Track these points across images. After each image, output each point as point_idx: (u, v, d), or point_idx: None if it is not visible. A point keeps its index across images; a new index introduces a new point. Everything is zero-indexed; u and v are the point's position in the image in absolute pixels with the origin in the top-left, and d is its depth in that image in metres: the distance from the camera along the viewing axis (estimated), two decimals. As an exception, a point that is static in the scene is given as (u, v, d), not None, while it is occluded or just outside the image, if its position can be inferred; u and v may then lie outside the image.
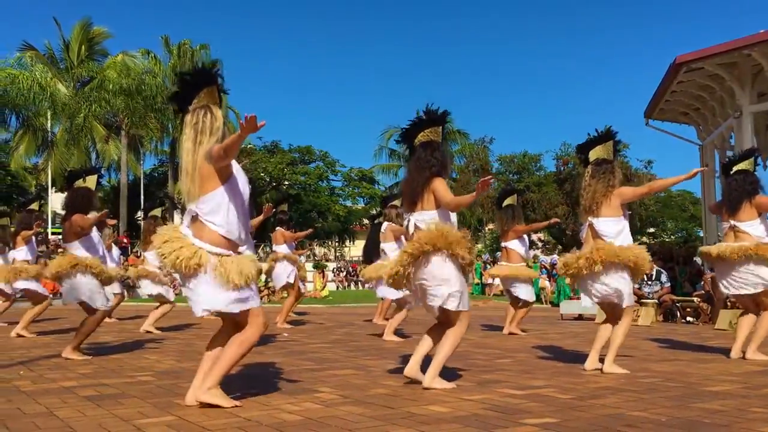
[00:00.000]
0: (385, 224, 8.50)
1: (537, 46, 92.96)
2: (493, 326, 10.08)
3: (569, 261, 5.38)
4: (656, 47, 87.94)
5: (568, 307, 13.49)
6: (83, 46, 33.31)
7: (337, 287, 32.25)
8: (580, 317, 12.91)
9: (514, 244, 9.01)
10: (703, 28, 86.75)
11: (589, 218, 5.37)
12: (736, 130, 15.49)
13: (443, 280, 4.43)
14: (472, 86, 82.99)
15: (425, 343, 4.69)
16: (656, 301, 11.81)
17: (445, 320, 4.62)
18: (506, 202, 9.22)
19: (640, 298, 12.33)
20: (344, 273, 35.32)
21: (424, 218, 4.55)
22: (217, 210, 3.74)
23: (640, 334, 9.04)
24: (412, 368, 4.63)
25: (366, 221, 48.59)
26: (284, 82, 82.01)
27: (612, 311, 5.43)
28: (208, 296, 3.72)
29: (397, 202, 8.51)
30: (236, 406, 3.76)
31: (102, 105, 30.42)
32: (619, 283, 5.22)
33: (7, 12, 66.15)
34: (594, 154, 5.55)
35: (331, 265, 35.85)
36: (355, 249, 47.12)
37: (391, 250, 8.20)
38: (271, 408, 3.79)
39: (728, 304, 10.79)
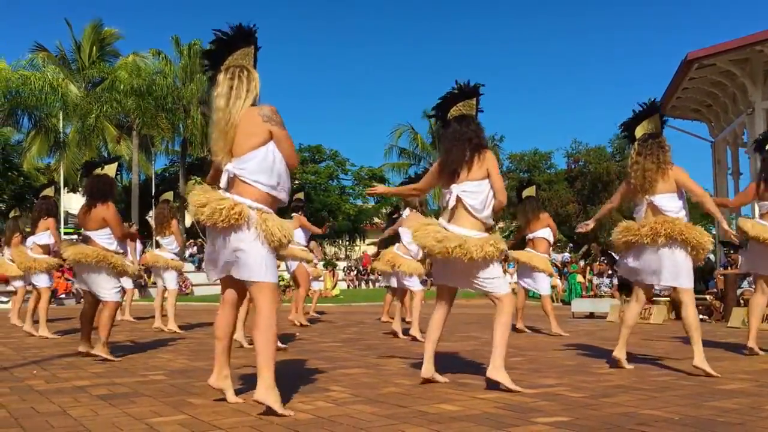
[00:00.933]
0: (407, 210, 8.35)
1: (546, 43, 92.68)
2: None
3: (631, 226, 5.17)
4: (667, 44, 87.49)
5: (579, 305, 13.46)
6: (94, 47, 33.52)
7: (348, 286, 32.30)
8: (591, 315, 12.87)
9: (543, 233, 8.78)
10: (714, 24, 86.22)
11: (647, 197, 5.19)
12: (749, 127, 15.41)
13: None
14: (482, 84, 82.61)
15: (431, 339, 4.67)
16: (668, 298, 11.73)
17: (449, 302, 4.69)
18: (525, 193, 9.07)
19: (651, 297, 12.30)
20: (355, 272, 35.38)
21: (468, 188, 4.45)
22: (263, 168, 3.63)
23: (652, 332, 9.00)
24: (428, 369, 4.58)
25: (377, 220, 48.78)
26: (294, 81, 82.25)
27: (648, 292, 5.29)
28: (253, 255, 3.59)
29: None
30: (289, 416, 3.53)
31: (113, 105, 30.56)
32: (676, 262, 5.05)
33: (20, 13, 66.68)
34: (641, 130, 5.35)
35: (342, 264, 35.91)
36: (365, 248, 47.23)
37: (409, 242, 8.10)
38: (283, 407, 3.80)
39: (741, 302, 10.73)
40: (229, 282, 3.86)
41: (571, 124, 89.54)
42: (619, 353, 5.34)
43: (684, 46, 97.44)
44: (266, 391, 3.55)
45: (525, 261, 8.88)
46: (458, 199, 4.47)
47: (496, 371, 4.35)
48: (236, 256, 3.64)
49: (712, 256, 14.51)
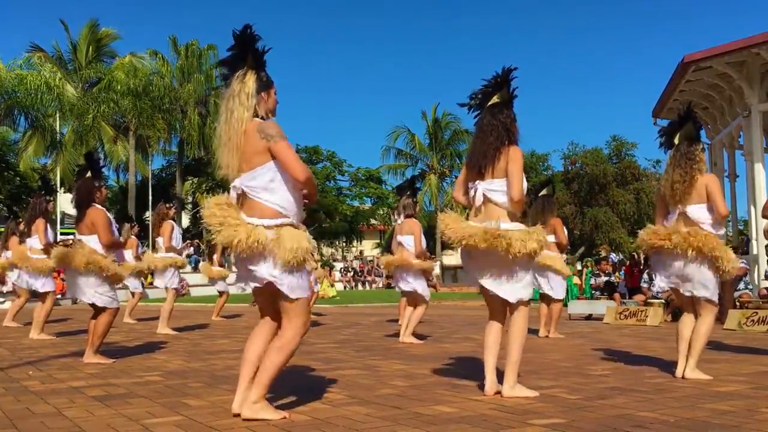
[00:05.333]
0: (401, 217, 8.23)
1: (543, 44, 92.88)
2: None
3: (659, 230, 5.03)
4: (664, 46, 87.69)
5: (576, 307, 13.45)
6: (91, 48, 33.53)
7: (345, 287, 32.31)
8: (589, 317, 12.87)
9: (552, 238, 8.39)
10: (711, 27, 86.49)
11: (679, 206, 5.09)
12: (745, 129, 15.43)
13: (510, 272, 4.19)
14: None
15: (490, 351, 4.36)
16: (664, 300, 11.75)
17: (503, 312, 4.36)
18: (542, 192, 8.81)
19: (648, 299, 12.30)
20: (351, 273, 35.38)
21: (494, 187, 4.25)
22: (271, 187, 3.50)
23: (648, 334, 9.01)
24: (492, 386, 4.26)
25: (374, 221, 48.77)
26: (291, 81, 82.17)
27: (689, 301, 5.13)
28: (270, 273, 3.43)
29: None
30: (284, 418, 3.49)
31: (110, 106, 30.57)
32: (704, 275, 4.95)
33: (16, 14, 66.58)
34: (678, 138, 5.26)
35: (339, 265, 35.91)
36: (362, 248, 47.25)
37: (410, 244, 8.00)
38: (279, 408, 3.79)
39: (737, 304, 10.75)
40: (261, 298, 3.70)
41: (567, 126, 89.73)
42: (681, 370, 5.09)
43: (681, 48, 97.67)
44: (252, 407, 3.45)
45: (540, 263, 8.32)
46: (485, 197, 4.28)
47: (511, 389, 4.19)
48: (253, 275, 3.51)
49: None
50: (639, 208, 39.79)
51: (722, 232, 5.08)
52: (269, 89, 3.68)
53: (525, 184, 4.31)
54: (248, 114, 3.56)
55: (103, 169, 6.87)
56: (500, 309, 4.37)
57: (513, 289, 4.21)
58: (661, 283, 5.25)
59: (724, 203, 5.10)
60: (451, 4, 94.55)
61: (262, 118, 3.60)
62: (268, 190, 3.50)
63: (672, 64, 15.46)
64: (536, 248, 4.13)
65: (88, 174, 6.38)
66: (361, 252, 44.09)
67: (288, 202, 3.53)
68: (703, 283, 4.99)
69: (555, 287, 8.64)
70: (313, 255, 3.59)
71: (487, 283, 4.26)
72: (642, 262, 14.07)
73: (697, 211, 5.03)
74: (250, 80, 3.60)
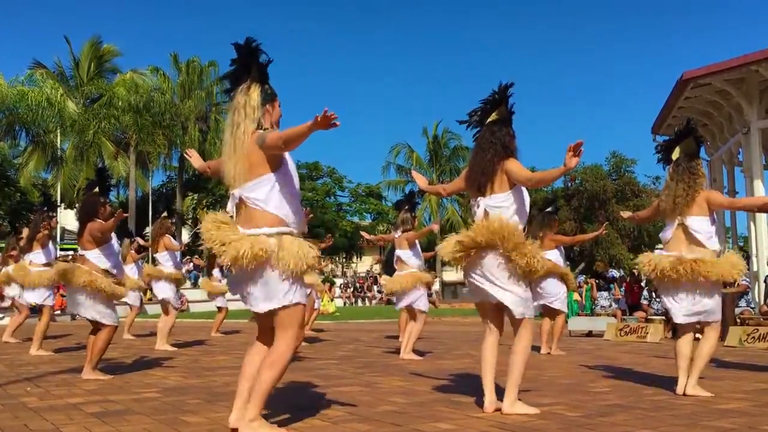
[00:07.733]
0: (398, 232, 8.28)
1: (543, 60, 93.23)
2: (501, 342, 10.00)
3: (664, 264, 5.02)
4: (663, 63, 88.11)
5: (576, 324, 13.41)
6: (93, 64, 33.62)
7: (345, 303, 32.25)
8: (589, 334, 12.83)
9: (551, 255, 8.27)
10: (710, 44, 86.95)
11: (678, 218, 5.12)
12: (744, 146, 15.47)
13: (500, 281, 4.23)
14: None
15: (488, 367, 4.40)
16: (664, 317, 11.72)
17: (500, 321, 4.42)
18: (548, 209, 8.80)
19: (648, 315, 12.28)
20: (351, 289, 35.32)
21: (495, 202, 4.27)
22: (271, 197, 3.49)
23: (649, 351, 8.98)
24: (491, 403, 4.23)
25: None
26: (291, 97, 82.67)
27: (693, 323, 5.13)
28: (274, 290, 3.42)
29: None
30: None
31: (111, 122, 30.61)
32: (711, 301, 4.99)
33: (18, 31, 66.99)
34: (676, 153, 5.30)
35: (339, 281, 35.89)
36: (362, 265, 47.21)
37: (407, 257, 8.04)
38: (278, 425, 3.77)
39: (738, 321, 10.72)
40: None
41: (567, 143, 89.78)
42: (682, 388, 5.08)
43: (680, 65, 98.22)
44: (249, 426, 3.38)
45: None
46: (486, 213, 4.30)
47: (511, 406, 4.16)
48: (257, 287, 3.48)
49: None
50: (639, 225, 39.80)
51: (717, 245, 5.11)
52: (273, 101, 3.68)
53: (527, 196, 4.36)
54: (253, 126, 3.56)
55: (112, 188, 6.91)
56: (497, 318, 4.43)
57: (516, 301, 4.22)
58: (677, 317, 5.16)
59: (726, 197, 5.15)
60: (454, 21, 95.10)
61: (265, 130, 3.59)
62: (268, 200, 3.49)
63: (671, 80, 15.51)
64: (515, 261, 4.14)
65: (96, 189, 6.43)
66: (366, 271, 44.09)
67: (288, 212, 3.52)
68: (705, 311, 5.01)
69: (553, 293, 8.49)
70: (318, 263, 3.58)
71: (489, 288, 4.28)
72: (642, 279, 14.06)
73: (697, 223, 5.08)
74: (255, 93, 3.60)
